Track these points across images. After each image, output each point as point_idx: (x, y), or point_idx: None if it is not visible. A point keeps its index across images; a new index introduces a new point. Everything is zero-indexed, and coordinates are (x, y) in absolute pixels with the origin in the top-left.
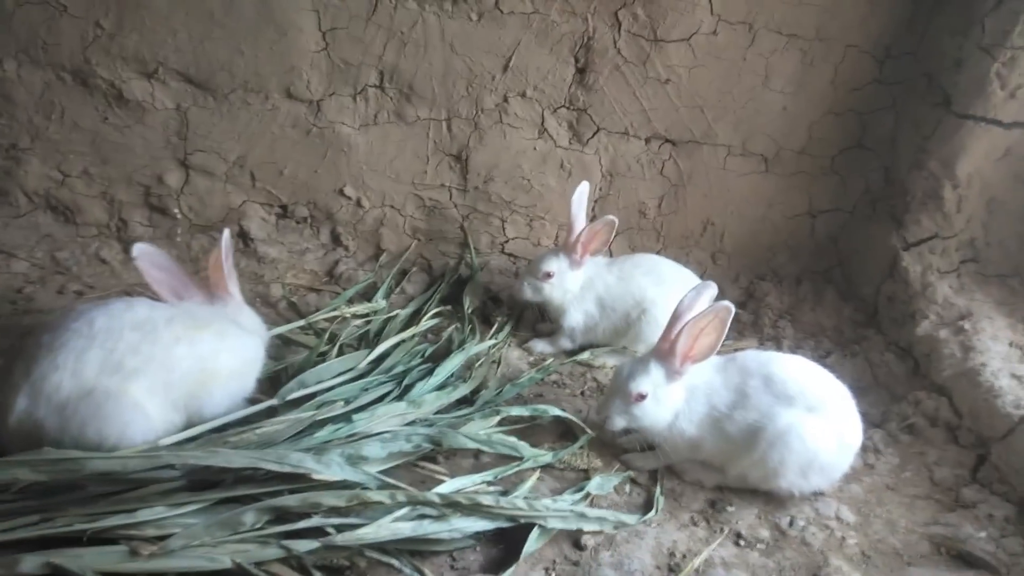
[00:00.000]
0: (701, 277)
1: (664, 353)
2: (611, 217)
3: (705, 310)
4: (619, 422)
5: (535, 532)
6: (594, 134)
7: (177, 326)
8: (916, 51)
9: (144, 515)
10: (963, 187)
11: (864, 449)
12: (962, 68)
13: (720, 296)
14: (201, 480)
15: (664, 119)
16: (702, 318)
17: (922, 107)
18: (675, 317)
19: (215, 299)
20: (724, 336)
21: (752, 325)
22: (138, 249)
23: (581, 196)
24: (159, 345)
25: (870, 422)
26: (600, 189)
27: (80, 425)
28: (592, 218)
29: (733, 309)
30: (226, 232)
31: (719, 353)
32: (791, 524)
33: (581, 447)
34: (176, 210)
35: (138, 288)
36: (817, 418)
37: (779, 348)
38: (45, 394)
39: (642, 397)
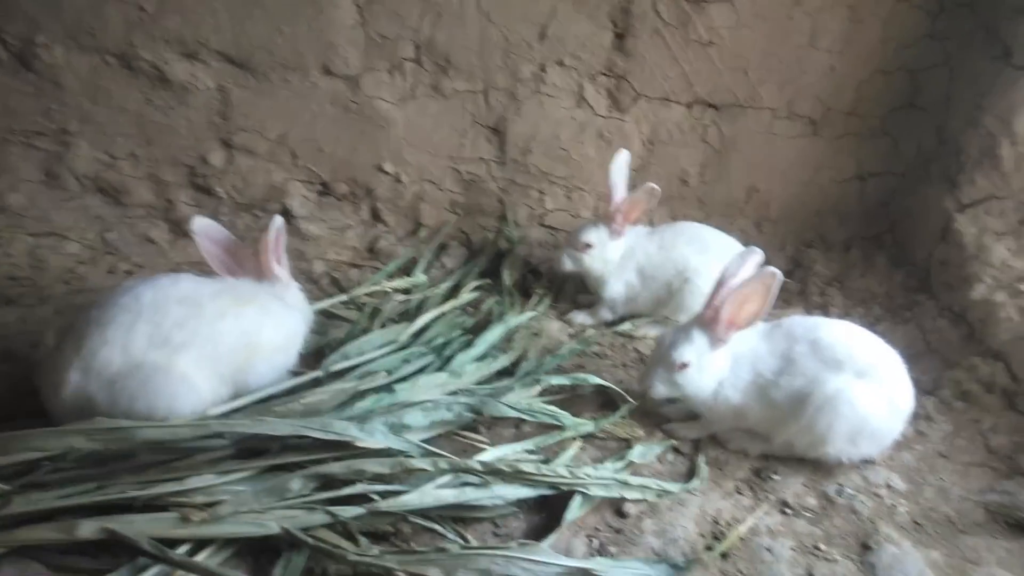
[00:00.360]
0: (746, 245)
1: (708, 320)
2: (652, 185)
3: (750, 277)
4: (662, 391)
5: (577, 499)
6: (634, 101)
7: (222, 301)
8: (972, 2)
9: (194, 483)
10: (1022, 144)
11: (916, 416)
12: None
13: (765, 264)
14: (248, 448)
15: (706, 83)
16: (747, 285)
17: (979, 61)
18: (719, 283)
19: (263, 277)
20: (770, 303)
21: (799, 293)
22: (197, 223)
23: (620, 165)
24: (204, 319)
25: (922, 389)
26: (640, 158)
27: (130, 398)
28: (632, 188)
29: (780, 275)
30: (277, 219)
31: (764, 320)
32: (839, 492)
33: (623, 416)
34: (220, 189)
35: (185, 267)
36: (866, 383)
37: (827, 316)
38: (96, 369)
39: (685, 365)
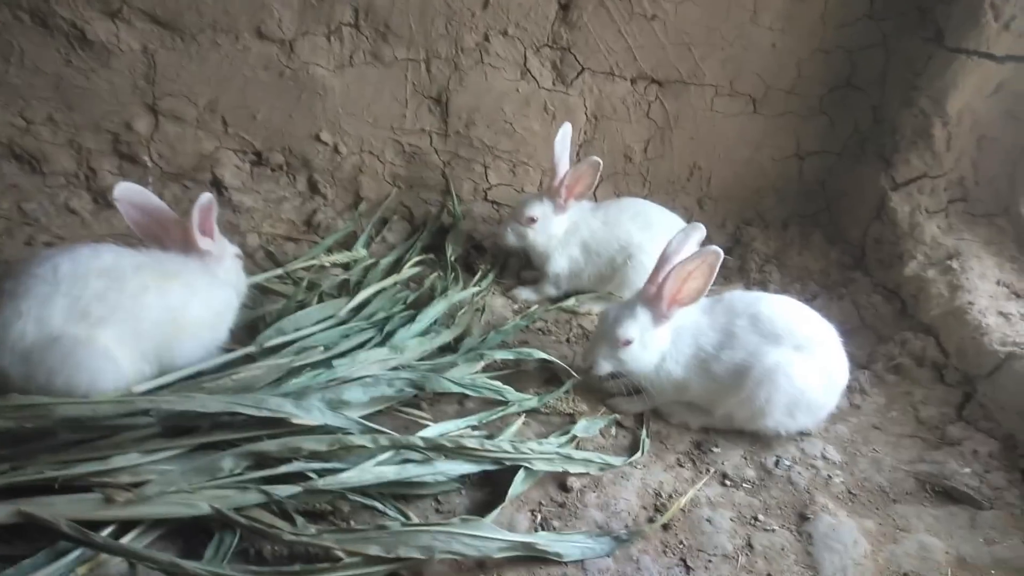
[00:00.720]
0: (688, 222)
1: (651, 297)
2: (595, 158)
3: (694, 254)
4: (606, 367)
5: (521, 473)
6: (578, 74)
7: (146, 274)
8: None
9: (118, 462)
10: (953, 124)
11: (850, 390)
12: (955, 0)
13: (707, 242)
14: (176, 427)
15: (650, 58)
16: (690, 262)
17: (913, 42)
18: (662, 260)
19: (191, 250)
20: (712, 280)
21: (739, 270)
22: (120, 189)
23: (564, 138)
24: (126, 293)
25: (856, 363)
26: (584, 133)
27: (47, 374)
28: (576, 162)
29: (721, 254)
30: (204, 196)
31: (705, 296)
32: (777, 464)
33: (566, 392)
34: (146, 158)
35: (109, 239)
36: (804, 356)
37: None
38: (9, 343)
39: (629, 342)
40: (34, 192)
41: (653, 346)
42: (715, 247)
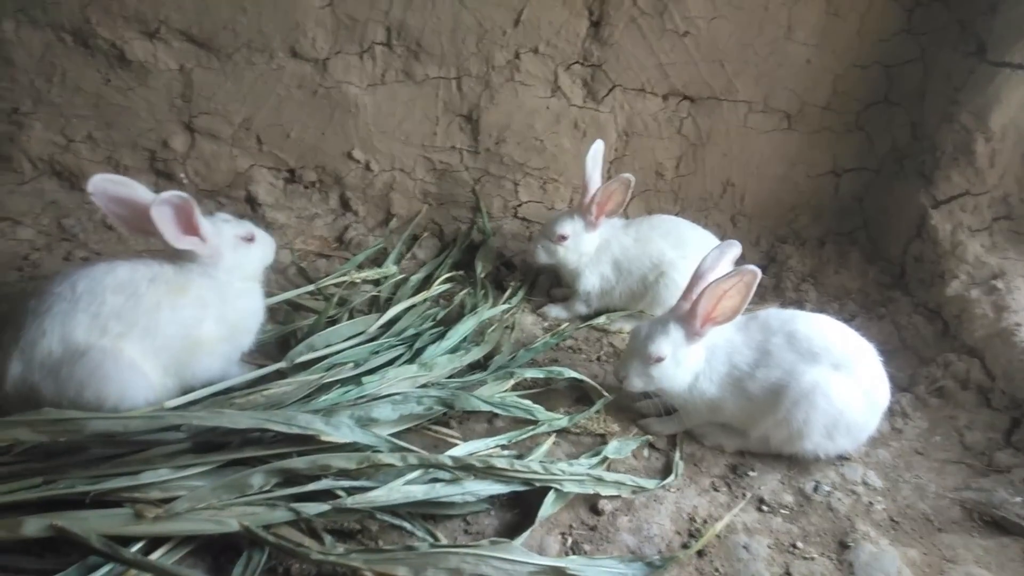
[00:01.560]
0: (721, 239)
1: (684, 314)
2: (627, 175)
3: (730, 272)
4: (637, 384)
5: (551, 495)
6: (609, 91)
7: (160, 289)
8: None
9: (148, 477)
10: (996, 140)
11: (891, 413)
12: (998, 12)
13: (740, 260)
14: (206, 442)
15: (682, 74)
16: (726, 280)
17: (953, 56)
18: (697, 277)
19: (183, 252)
20: (748, 300)
21: (774, 289)
22: (93, 182)
23: (596, 155)
24: (141, 309)
25: (897, 386)
26: (616, 150)
27: (77, 387)
28: (607, 180)
29: (759, 273)
30: (167, 193)
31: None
32: (816, 489)
33: (597, 412)
34: (182, 175)
35: (146, 255)
36: (843, 375)
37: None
38: (37, 360)
39: (661, 359)
40: (73, 208)
41: (686, 364)
42: (753, 267)
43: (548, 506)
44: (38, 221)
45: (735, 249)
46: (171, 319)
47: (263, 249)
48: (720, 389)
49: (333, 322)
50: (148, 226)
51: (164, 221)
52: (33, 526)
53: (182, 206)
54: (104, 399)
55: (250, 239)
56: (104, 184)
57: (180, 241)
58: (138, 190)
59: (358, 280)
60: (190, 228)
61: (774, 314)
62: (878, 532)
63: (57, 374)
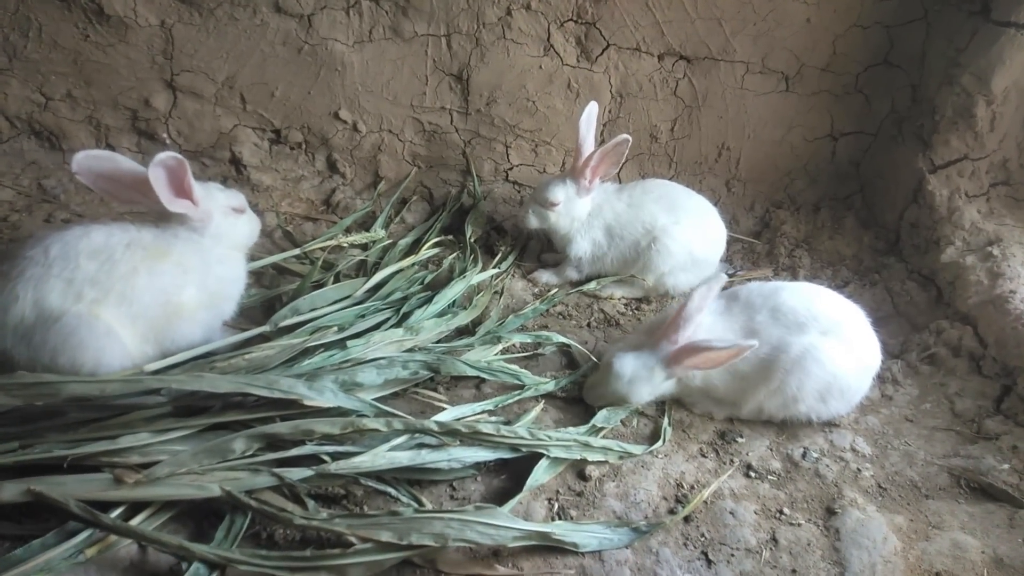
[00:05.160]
0: (715, 205)
1: (669, 359)
2: (624, 135)
3: (726, 344)
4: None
5: (543, 462)
6: (603, 51)
7: (136, 254)
8: None
9: (127, 441)
10: (998, 103)
11: (882, 380)
12: None
13: (735, 226)
14: (187, 406)
15: (679, 33)
16: (721, 350)
17: (956, 16)
18: (685, 319)
19: (172, 216)
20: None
21: (768, 255)
22: (76, 160)
23: (590, 117)
24: (115, 275)
25: (889, 353)
26: (609, 111)
27: (51, 354)
28: (601, 142)
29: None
30: (161, 155)
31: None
32: (804, 456)
33: (585, 375)
34: (165, 135)
35: (128, 217)
36: (832, 340)
37: (795, 278)
38: (10, 325)
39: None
40: (54, 169)
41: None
42: (753, 342)
43: (539, 473)
44: (17, 182)
45: (720, 281)
46: (149, 285)
47: (250, 225)
48: (706, 377)
49: (319, 286)
50: (136, 197)
51: (159, 183)
52: (10, 491)
53: (176, 168)
54: (79, 366)
55: (241, 211)
56: (88, 162)
57: (173, 204)
58: (122, 163)
59: (345, 244)
60: (182, 191)
61: (756, 290)
62: (865, 499)
63: (30, 340)
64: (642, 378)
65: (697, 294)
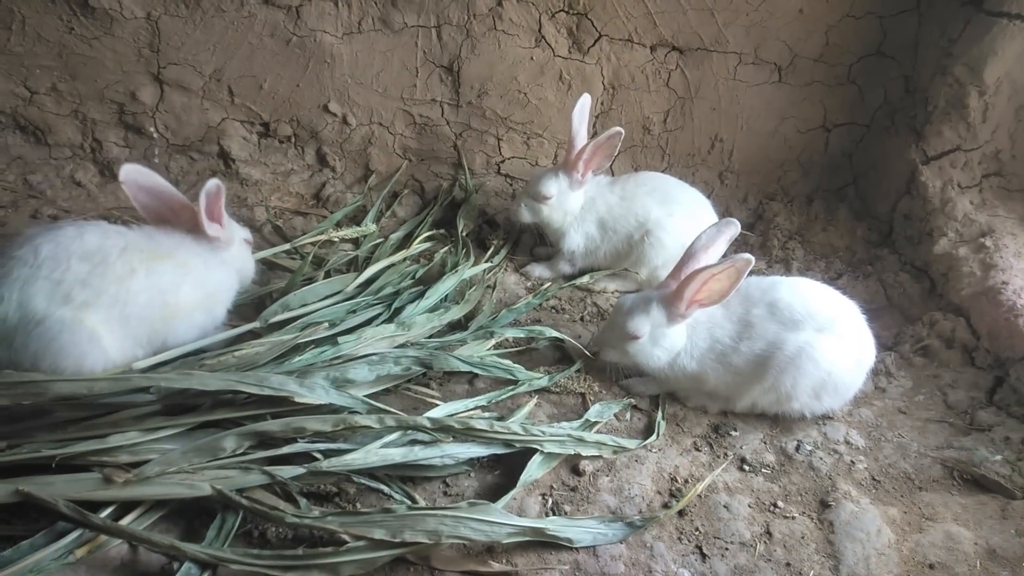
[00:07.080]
0: (708, 197)
1: (669, 295)
2: (617, 128)
3: (723, 262)
4: (612, 356)
5: (537, 458)
6: (595, 42)
7: (133, 256)
8: None
9: (116, 440)
10: (990, 94)
11: (875, 372)
12: None
13: (727, 216)
14: (177, 405)
15: (671, 24)
16: (716, 268)
17: (949, 6)
18: (689, 256)
19: (200, 236)
20: (737, 286)
21: (761, 247)
22: (125, 171)
23: (582, 109)
24: (110, 277)
25: (882, 345)
26: (601, 103)
27: (33, 357)
28: (593, 135)
29: (752, 261)
30: (212, 183)
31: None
32: (798, 449)
33: (578, 371)
34: (152, 129)
35: (116, 212)
36: (827, 337)
37: (788, 270)
38: None
39: (637, 338)
40: (39, 164)
41: (664, 344)
42: (747, 255)
43: (533, 469)
44: (3, 177)
45: (732, 228)
46: (146, 285)
47: (250, 263)
48: (700, 364)
49: (310, 282)
50: (168, 214)
51: (205, 206)
52: None
53: (217, 193)
54: (60, 372)
55: (250, 244)
56: (135, 175)
57: (209, 226)
58: (161, 182)
59: (336, 239)
60: (213, 215)
61: (754, 283)
62: (859, 491)
63: (11, 342)
64: (641, 310)
65: (705, 233)
